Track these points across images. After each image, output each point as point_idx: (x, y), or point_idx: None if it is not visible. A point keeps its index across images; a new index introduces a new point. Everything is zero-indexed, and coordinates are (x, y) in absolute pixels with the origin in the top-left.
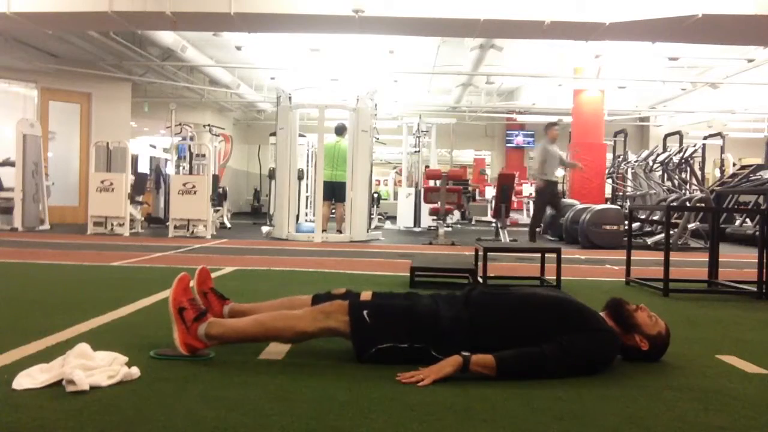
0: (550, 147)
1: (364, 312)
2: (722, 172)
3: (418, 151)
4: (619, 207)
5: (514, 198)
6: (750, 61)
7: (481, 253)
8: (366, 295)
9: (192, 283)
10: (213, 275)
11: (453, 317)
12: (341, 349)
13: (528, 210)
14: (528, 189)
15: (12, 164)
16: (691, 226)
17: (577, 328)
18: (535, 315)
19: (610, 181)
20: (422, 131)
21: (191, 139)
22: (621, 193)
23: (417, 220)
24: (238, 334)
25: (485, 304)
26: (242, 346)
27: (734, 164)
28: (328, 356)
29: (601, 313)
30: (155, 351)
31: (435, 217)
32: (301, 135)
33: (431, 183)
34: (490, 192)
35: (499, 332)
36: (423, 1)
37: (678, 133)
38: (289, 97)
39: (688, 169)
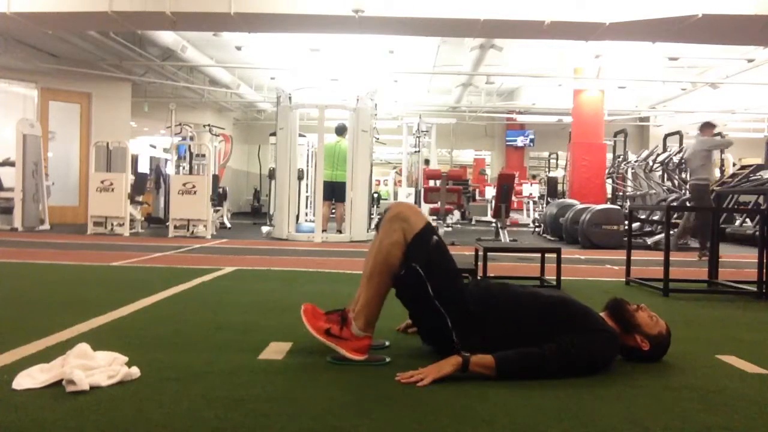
0: (706, 147)
1: (435, 237)
2: (722, 172)
3: (418, 151)
4: (619, 207)
5: (514, 198)
6: (750, 61)
7: (481, 253)
8: None
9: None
10: (213, 275)
11: (470, 296)
12: None
13: (528, 210)
14: (528, 189)
15: (12, 164)
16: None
17: (577, 328)
18: (536, 313)
19: (610, 181)
20: (422, 131)
21: (191, 139)
22: (621, 193)
23: None
24: (372, 302)
25: (490, 300)
26: (242, 345)
27: (734, 164)
28: (328, 356)
29: (601, 314)
30: (332, 356)
31: (435, 217)
32: (301, 135)
33: (431, 183)
34: (490, 192)
35: (503, 332)
36: (423, 1)
37: (678, 133)
38: (289, 97)
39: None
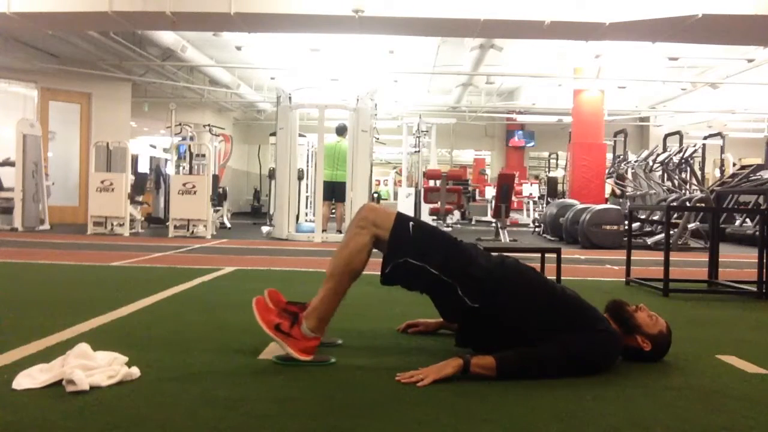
0: None
1: (410, 223)
2: (722, 172)
3: (418, 151)
4: (618, 207)
5: (514, 198)
6: (750, 61)
7: None
8: None
9: (268, 303)
10: (213, 275)
11: (486, 268)
12: (341, 349)
13: (528, 210)
14: (528, 189)
15: (12, 164)
16: (691, 226)
17: (578, 327)
18: (539, 308)
19: (610, 181)
20: (422, 131)
21: (191, 139)
22: (620, 193)
23: None
24: (327, 303)
25: (516, 272)
26: (242, 346)
27: (734, 164)
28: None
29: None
30: (276, 356)
31: (435, 217)
32: (301, 135)
33: (431, 183)
34: (490, 192)
35: (515, 304)
36: (423, 1)
37: (678, 133)
38: (289, 97)
39: (688, 169)
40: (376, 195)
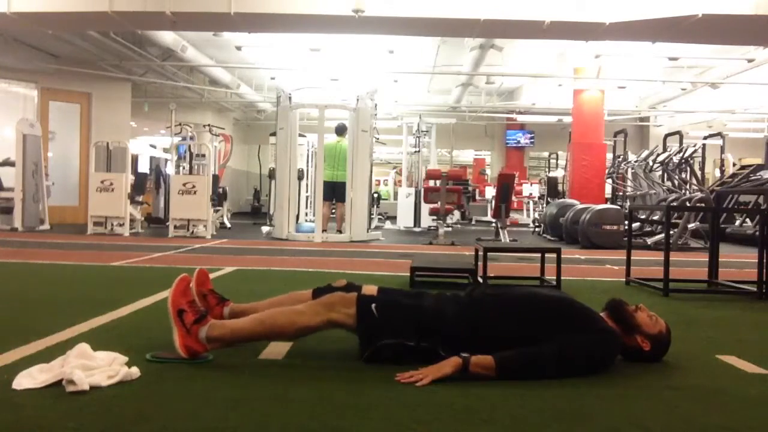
0: None
1: (373, 305)
2: (722, 172)
3: (418, 151)
4: (619, 207)
5: (514, 198)
6: (750, 61)
7: (481, 253)
8: (369, 289)
9: (191, 285)
10: (213, 275)
11: (457, 316)
12: (341, 349)
13: (528, 210)
14: (528, 189)
15: (12, 164)
16: (691, 226)
17: (577, 328)
18: (536, 315)
19: (610, 181)
20: (422, 131)
21: (191, 139)
22: (621, 193)
23: (417, 220)
24: (239, 335)
25: (487, 304)
26: (242, 346)
27: (734, 164)
28: (328, 356)
29: (601, 314)
30: (152, 354)
31: (435, 217)
32: (301, 135)
33: (431, 183)
34: (490, 192)
35: (501, 332)
36: (423, 1)
37: (678, 133)
38: (289, 97)
39: (688, 169)
40: (376, 195)
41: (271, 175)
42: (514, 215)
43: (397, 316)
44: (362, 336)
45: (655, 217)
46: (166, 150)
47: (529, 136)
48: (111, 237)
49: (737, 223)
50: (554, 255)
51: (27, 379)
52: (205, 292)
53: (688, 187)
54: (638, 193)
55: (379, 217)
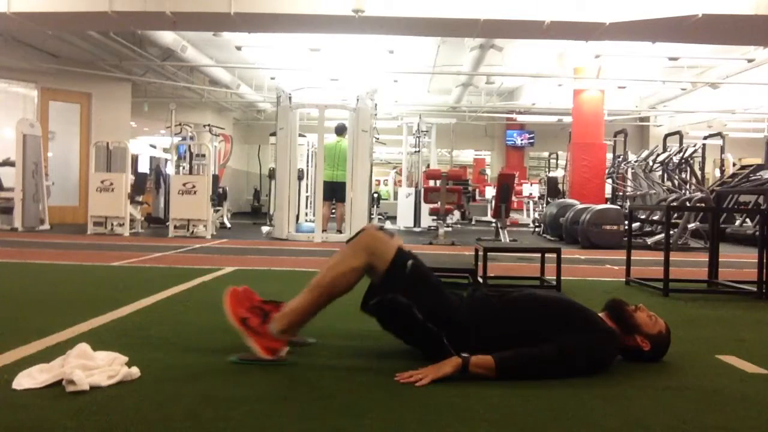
0: None
1: (409, 262)
2: (722, 172)
3: (418, 151)
4: (619, 207)
5: (514, 198)
6: (750, 61)
7: (481, 253)
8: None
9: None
10: (213, 275)
11: (466, 314)
12: (341, 349)
13: (528, 210)
14: (528, 189)
15: (12, 164)
16: (691, 226)
17: (577, 328)
18: (534, 316)
19: (610, 181)
20: (422, 131)
21: (191, 139)
22: (621, 193)
23: (417, 220)
24: (302, 311)
25: (488, 304)
26: (242, 346)
27: (734, 164)
28: (328, 356)
29: (600, 314)
30: (236, 356)
31: (435, 217)
32: (301, 135)
33: (431, 183)
34: (490, 192)
35: (501, 333)
36: (423, 1)
37: (678, 133)
38: (289, 97)
39: (688, 169)
40: (376, 195)
41: (271, 175)
42: (514, 215)
43: (423, 283)
44: (383, 281)
45: (655, 217)
46: (166, 150)
47: (528, 135)
48: (111, 237)
49: (737, 223)
50: (554, 255)
51: (27, 379)
52: (257, 305)
53: (688, 187)
54: (638, 193)
55: (379, 217)
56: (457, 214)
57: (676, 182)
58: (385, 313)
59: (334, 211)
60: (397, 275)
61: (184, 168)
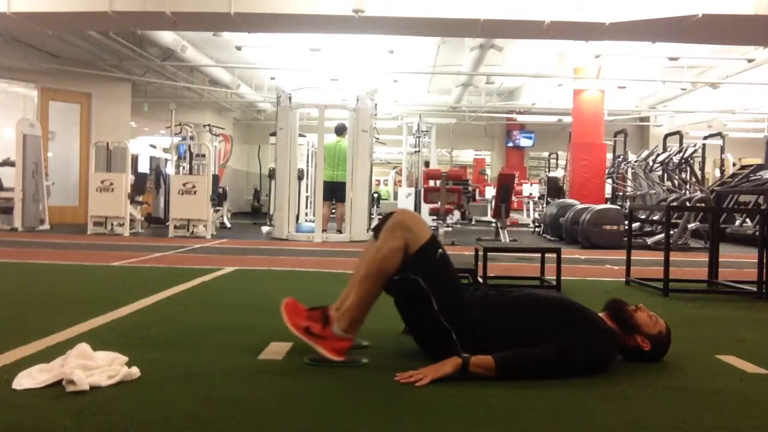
0: None
1: (440, 250)
2: (722, 172)
3: (418, 151)
4: (619, 207)
5: (514, 198)
6: (750, 61)
7: (481, 253)
8: None
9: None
10: (213, 275)
11: (475, 312)
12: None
13: (528, 210)
14: (528, 189)
15: (12, 164)
16: (691, 226)
17: (577, 328)
18: (534, 316)
19: (610, 181)
20: (422, 131)
21: (191, 139)
22: (621, 193)
23: None
24: (360, 304)
25: (489, 305)
26: (242, 345)
27: (734, 164)
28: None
29: (600, 314)
30: (309, 357)
31: (435, 217)
32: (301, 135)
33: (431, 183)
34: (490, 192)
35: (502, 333)
36: (423, 1)
37: (678, 133)
38: (289, 97)
39: (688, 169)
40: (376, 195)
41: (271, 175)
42: (514, 215)
43: (446, 275)
44: (411, 260)
45: (655, 217)
46: (166, 150)
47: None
48: (111, 237)
49: (737, 223)
50: (554, 255)
51: (27, 379)
52: (305, 315)
53: (688, 187)
54: (638, 193)
55: (379, 217)
56: (457, 214)
57: (676, 182)
58: (404, 292)
59: (334, 211)
60: (426, 258)
61: (184, 168)
